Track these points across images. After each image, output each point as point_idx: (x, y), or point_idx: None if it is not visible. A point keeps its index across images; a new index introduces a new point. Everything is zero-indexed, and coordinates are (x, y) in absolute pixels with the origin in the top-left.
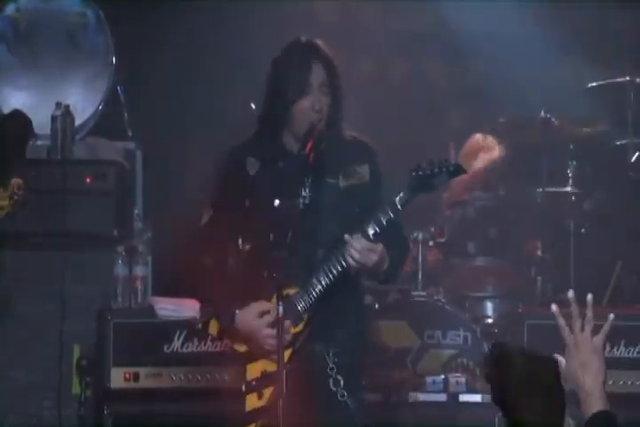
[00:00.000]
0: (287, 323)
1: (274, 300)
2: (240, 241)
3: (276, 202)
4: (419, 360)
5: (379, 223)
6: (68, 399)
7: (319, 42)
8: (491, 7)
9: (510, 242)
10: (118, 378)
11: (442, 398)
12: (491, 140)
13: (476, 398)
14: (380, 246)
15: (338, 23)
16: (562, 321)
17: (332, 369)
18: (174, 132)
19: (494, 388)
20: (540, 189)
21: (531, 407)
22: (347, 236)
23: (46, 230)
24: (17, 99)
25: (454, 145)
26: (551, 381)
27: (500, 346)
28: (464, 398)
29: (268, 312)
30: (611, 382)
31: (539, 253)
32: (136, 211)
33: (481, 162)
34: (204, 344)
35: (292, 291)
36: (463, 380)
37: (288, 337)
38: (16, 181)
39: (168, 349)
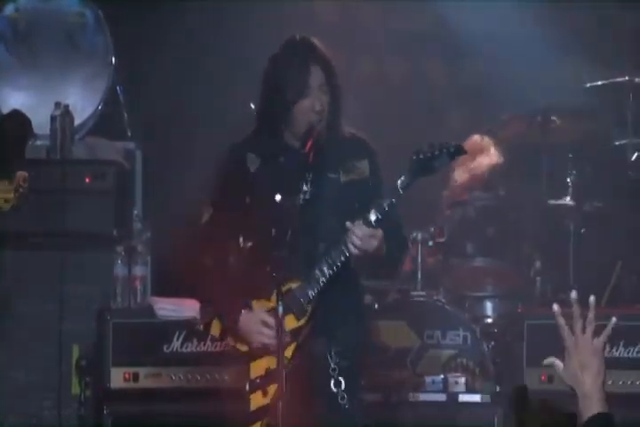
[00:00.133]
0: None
1: (274, 298)
2: (241, 239)
3: (278, 197)
4: (418, 360)
5: (380, 208)
6: (67, 399)
7: (316, 41)
8: (491, 7)
9: (510, 242)
10: (118, 378)
11: (441, 398)
12: (487, 141)
13: (476, 398)
14: (379, 232)
15: (338, 23)
16: (562, 321)
17: (333, 370)
18: (174, 132)
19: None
20: (540, 190)
21: None
22: (348, 223)
23: (45, 230)
24: (16, 99)
25: None
26: None
27: (521, 390)
28: (463, 398)
29: (268, 324)
30: (610, 383)
31: (538, 253)
32: (135, 211)
33: (479, 167)
34: (204, 344)
35: (294, 285)
36: (463, 380)
37: (287, 339)
38: (22, 174)
39: (167, 349)
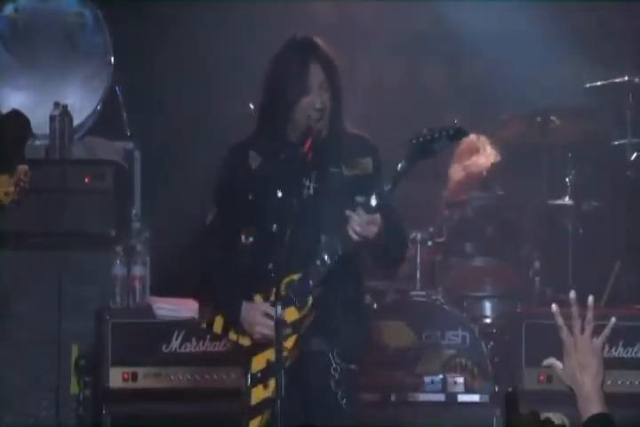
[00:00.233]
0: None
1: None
2: (243, 235)
3: (279, 193)
4: (417, 360)
5: (380, 193)
6: (66, 399)
7: (317, 39)
8: (491, 7)
9: (509, 242)
10: (117, 378)
11: (440, 397)
12: (483, 140)
13: (475, 397)
14: (379, 219)
15: (337, 23)
16: (561, 321)
17: (335, 370)
18: (173, 133)
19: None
20: (539, 190)
21: None
22: (347, 211)
23: (44, 230)
24: (15, 99)
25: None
26: None
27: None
28: (462, 397)
29: (269, 315)
30: (609, 382)
31: (537, 252)
32: (134, 211)
33: (475, 166)
34: (203, 344)
35: (296, 276)
36: (462, 380)
37: (288, 330)
38: (23, 168)
39: (166, 349)
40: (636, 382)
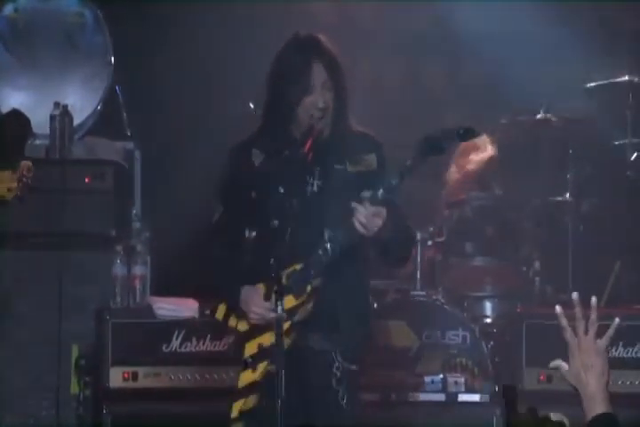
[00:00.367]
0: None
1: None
2: (247, 231)
3: (281, 189)
4: (417, 360)
5: (387, 187)
6: (66, 399)
7: (321, 37)
8: (491, 7)
9: (509, 242)
10: (117, 378)
11: (440, 397)
12: (483, 139)
13: (475, 397)
14: (384, 212)
15: (337, 23)
16: (564, 322)
17: (337, 368)
18: (173, 132)
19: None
20: (539, 190)
21: None
22: (354, 203)
23: (44, 230)
24: (15, 98)
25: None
26: None
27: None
28: (463, 397)
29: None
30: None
31: (537, 252)
32: (134, 211)
33: (473, 163)
34: (203, 344)
35: (298, 266)
36: (462, 380)
37: (283, 315)
38: (26, 164)
39: (166, 348)
40: (637, 382)
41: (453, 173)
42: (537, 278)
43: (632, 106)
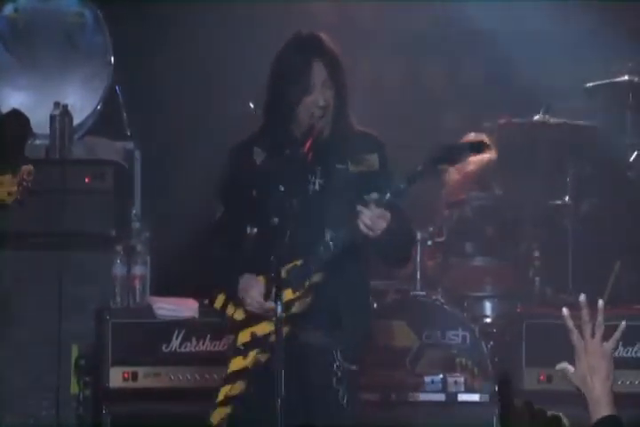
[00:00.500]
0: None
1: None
2: (248, 228)
3: (282, 187)
4: (417, 360)
5: (395, 191)
6: (66, 399)
7: (321, 36)
8: (490, 7)
9: (509, 242)
10: (117, 378)
11: (440, 397)
12: (483, 138)
13: (475, 397)
14: (389, 215)
15: (337, 23)
16: (571, 324)
17: (338, 367)
18: (173, 132)
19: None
20: (538, 190)
21: None
22: (359, 205)
23: (44, 230)
24: (15, 98)
25: None
26: None
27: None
28: (463, 397)
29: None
30: None
31: (537, 252)
32: (134, 211)
33: (472, 164)
34: (203, 344)
35: (299, 263)
36: (462, 379)
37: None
38: (27, 168)
39: (166, 348)
40: (636, 382)
41: (453, 174)
42: (537, 278)
43: (632, 106)
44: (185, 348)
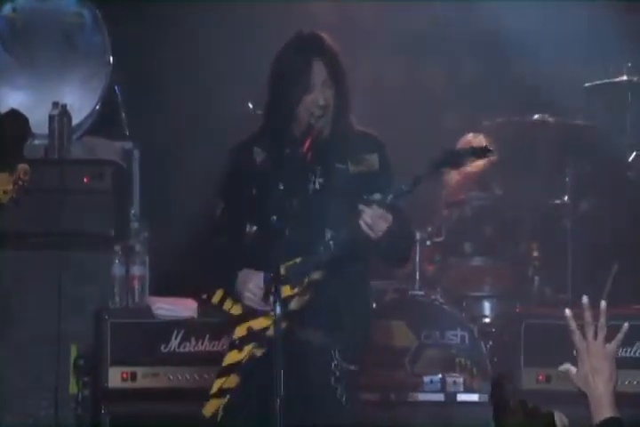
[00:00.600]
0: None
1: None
2: (248, 226)
3: (281, 186)
4: (416, 360)
5: (398, 192)
6: (65, 399)
7: (322, 35)
8: (490, 7)
9: (508, 242)
10: (116, 378)
11: (439, 397)
12: (481, 139)
13: (474, 397)
14: (390, 217)
15: (337, 23)
16: (574, 325)
17: (336, 366)
18: (172, 132)
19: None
20: (538, 190)
21: None
22: (361, 204)
23: (43, 230)
24: (14, 98)
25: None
26: None
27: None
28: (461, 397)
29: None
30: None
31: (536, 252)
32: (133, 211)
33: (471, 164)
34: (202, 344)
35: (298, 260)
36: (461, 379)
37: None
38: (23, 167)
39: (165, 348)
40: (635, 382)
41: (453, 174)
42: (536, 278)
43: (631, 106)
44: (184, 348)
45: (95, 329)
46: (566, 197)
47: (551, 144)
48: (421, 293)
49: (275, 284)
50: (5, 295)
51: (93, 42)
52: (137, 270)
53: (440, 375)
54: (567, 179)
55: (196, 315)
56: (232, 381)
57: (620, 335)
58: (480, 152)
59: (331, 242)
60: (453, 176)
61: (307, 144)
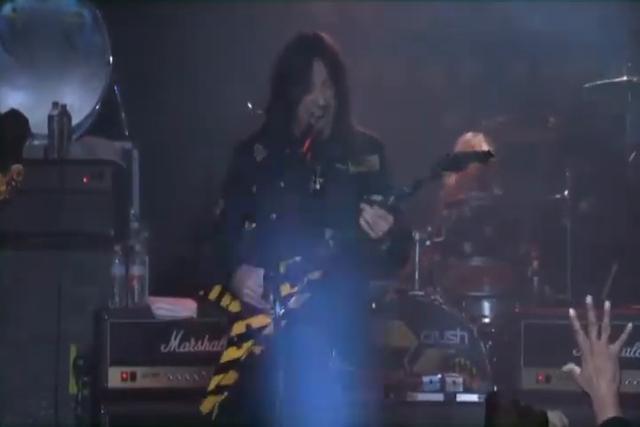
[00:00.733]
0: None
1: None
2: (247, 224)
3: (282, 184)
4: (416, 360)
5: (400, 194)
6: (65, 399)
7: (322, 35)
8: (490, 7)
9: (507, 242)
10: (115, 378)
11: (439, 397)
12: (479, 138)
13: (473, 397)
14: (391, 218)
15: (337, 23)
16: (578, 325)
17: (333, 366)
18: (172, 132)
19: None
20: (537, 190)
21: None
22: (362, 203)
23: (43, 230)
24: (14, 98)
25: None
26: None
27: (494, 396)
28: (461, 397)
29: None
30: None
31: (535, 252)
32: (133, 211)
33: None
34: (201, 344)
35: (298, 259)
36: (460, 380)
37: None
38: (17, 167)
39: (165, 348)
40: (635, 382)
41: (452, 174)
42: (535, 278)
43: (631, 106)
44: (183, 348)
45: (95, 329)
46: (566, 197)
47: (551, 144)
48: (421, 293)
49: (274, 282)
50: (5, 295)
51: (93, 42)
52: (137, 270)
53: (439, 375)
54: (567, 179)
55: (195, 315)
56: (230, 378)
57: (623, 336)
58: (483, 157)
59: (331, 241)
60: (452, 176)
61: (307, 144)
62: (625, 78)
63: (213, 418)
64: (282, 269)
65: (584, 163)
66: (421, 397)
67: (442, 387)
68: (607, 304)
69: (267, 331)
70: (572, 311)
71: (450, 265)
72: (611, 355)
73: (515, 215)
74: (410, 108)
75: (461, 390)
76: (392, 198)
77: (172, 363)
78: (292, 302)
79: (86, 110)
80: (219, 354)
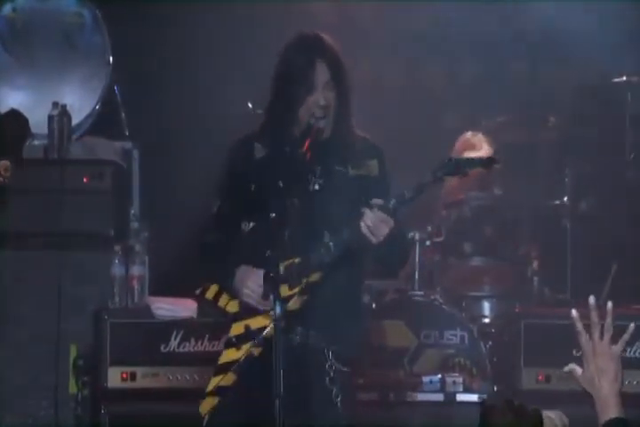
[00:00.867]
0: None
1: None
2: (244, 223)
3: (281, 183)
4: (416, 360)
5: (401, 198)
6: (65, 399)
7: (324, 36)
8: (490, 7)
9: (507, 242)
10: (115, 378)
11: (439, 397)
12: (479, 137)
13: (473, 397)
14: (392, 222)
15: (337, 23)
16: (580, 326)
17: (330, 367)
18: (172, 132)
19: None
20: (537, 190)
21: None
22: (363, 208)
23: (43, 230)
24: (14, 98)
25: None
26: None
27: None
28: (461, 397)
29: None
30: None
31: (535, 252)
32: (132, 211)
33: None
34: (201, 344)
35: (297, 260)
36: (460, 379)
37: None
38: (4, 163)
39: (165, 348)
40: (635, 383)
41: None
42: (535, 278)
43: (631, 106)
44: (183, 348)
45: (95, 329)
46: (566, 198)
47: (551, 144)
48: (421, 293)
49: (274, 283)
50: (5, 295)
51: (93, 42)
52: (136, 270)
53: (439, 375)
54: (567, 179)
55: (195, 315)
56: (229, 379)
57: (625, 336)
58: (486, 163)
59: (330, 243)
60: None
61: (306, 144)
62: (625, 78)
63: (204, 425)
64: (282, 271)
65: (584, 163)
66: (421, 397)
67: (442, 387)
68: (610, 304)
69: (266, 332)
70: (574, 312)
71: (450, 265)
72: (613, 355)
73: (515, 215)
74: (410, 109)
75: (461, 390)
76: (393, 202)
77: (172, 363)
78: (291, 304)
79: (86, 110)
80: (219, 354)
